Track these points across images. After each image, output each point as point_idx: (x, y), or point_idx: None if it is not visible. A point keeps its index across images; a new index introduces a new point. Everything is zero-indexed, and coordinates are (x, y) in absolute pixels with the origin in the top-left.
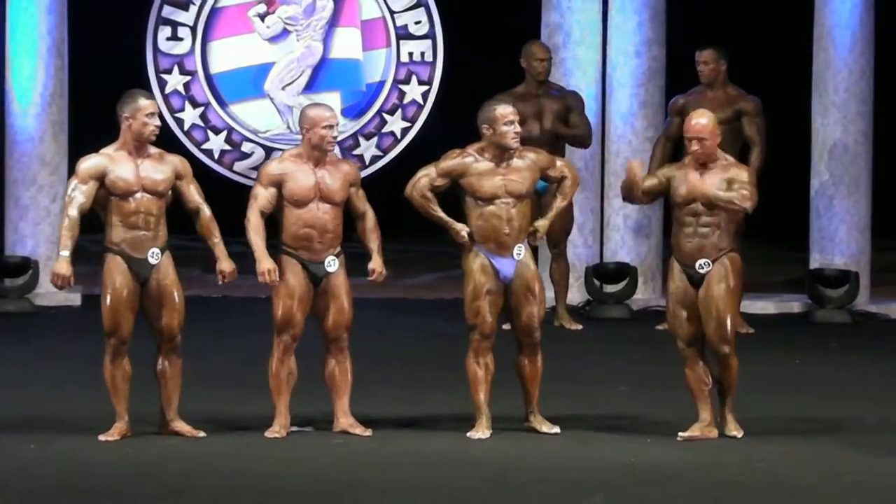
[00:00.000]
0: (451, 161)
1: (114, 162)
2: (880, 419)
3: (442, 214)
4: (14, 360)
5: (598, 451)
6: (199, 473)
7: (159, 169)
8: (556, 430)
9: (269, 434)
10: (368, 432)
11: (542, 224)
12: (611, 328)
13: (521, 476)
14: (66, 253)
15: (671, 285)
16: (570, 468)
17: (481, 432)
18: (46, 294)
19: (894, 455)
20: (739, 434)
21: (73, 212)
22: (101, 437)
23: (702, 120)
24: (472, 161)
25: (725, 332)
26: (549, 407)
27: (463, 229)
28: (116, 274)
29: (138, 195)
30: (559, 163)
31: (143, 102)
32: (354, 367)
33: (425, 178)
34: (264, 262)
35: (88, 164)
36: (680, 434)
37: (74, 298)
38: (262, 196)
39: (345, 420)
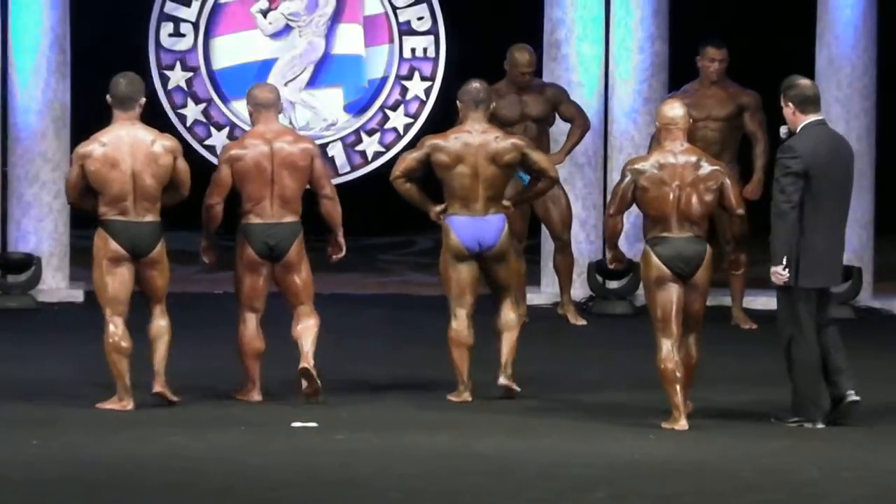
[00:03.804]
0: None
1: None
2: (882, 414)
3: None
4: (17, 357)
5: (601, 446)
6: (201, 468)
7: None
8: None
9: None
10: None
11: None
12: (613, 324)
13: (523, 471)
14: None
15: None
16: (572, 463)
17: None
18: (49, 290)
19: None
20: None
21: None
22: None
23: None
24: None
25: None
26: (551, 402)
27: None
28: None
29: None
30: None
31: None
32: (353, 362)
33: None
34: None
35: None
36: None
37: (77, 295)
38: None
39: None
